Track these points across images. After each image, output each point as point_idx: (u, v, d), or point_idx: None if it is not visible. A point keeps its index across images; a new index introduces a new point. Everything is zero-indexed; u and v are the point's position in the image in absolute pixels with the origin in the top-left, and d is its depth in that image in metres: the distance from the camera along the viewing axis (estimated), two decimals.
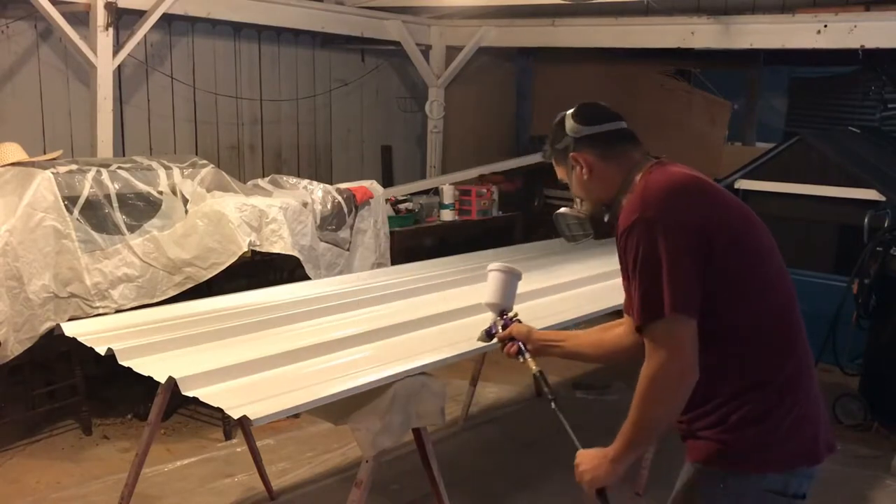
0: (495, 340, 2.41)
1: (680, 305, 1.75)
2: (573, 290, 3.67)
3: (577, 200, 2.12)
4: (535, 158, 7.48)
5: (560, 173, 2.15)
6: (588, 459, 2.09)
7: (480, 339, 2.47)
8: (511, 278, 2.43)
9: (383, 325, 2.99)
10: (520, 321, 2.38)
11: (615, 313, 3.33)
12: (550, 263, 4.10)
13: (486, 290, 2.45)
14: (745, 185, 5.88)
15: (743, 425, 1.83)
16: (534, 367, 2.37)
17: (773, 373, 1.84)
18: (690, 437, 1.93)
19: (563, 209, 2.18)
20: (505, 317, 2.41)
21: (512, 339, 2.35)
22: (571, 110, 2.15)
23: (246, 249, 4.08)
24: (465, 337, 2.93)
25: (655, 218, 1.79)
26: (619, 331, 2.15)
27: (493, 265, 2.46)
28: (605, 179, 2.04)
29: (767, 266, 1.89)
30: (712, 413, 1.86)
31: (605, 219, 2.07)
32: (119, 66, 4.91)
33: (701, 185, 1.89)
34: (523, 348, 2.33)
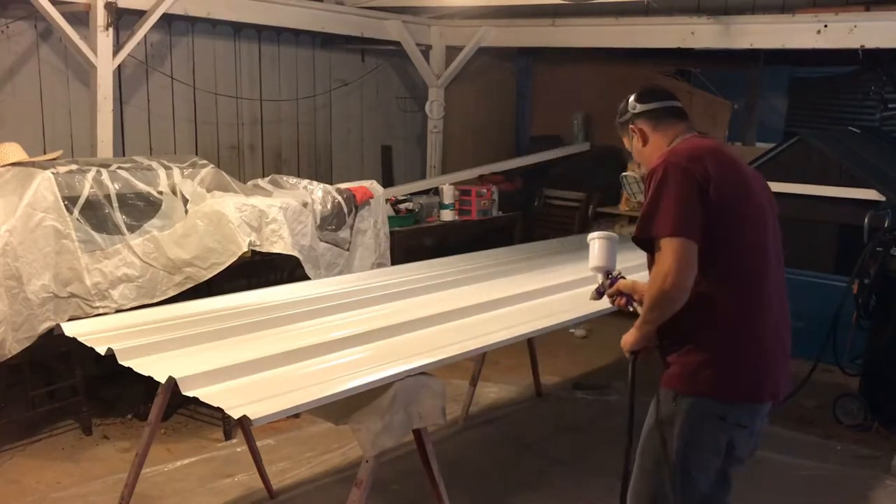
0: (605, 297, 2.74)
1: (681, 230, 2.22)
2: (573, 290, 3.67)
3: (636, 165, 2.59)
4: (535, 158, 7.50)
5: (625, 143, 2.65)
6: (626, 335, 2.53)
7: (592, 297, 2.79)
8: (611, 243, 2.78)
9: (383, 325, 2.99)
10: (624, 278, 2.72)
11: (615, 313, 3.34)
12: (550, 263, 4.10)
13: (590, 255, 2.79)
14: None
15: (696, 357, 2.33)
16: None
17: (732, 319, 2.30)
18: (665, 363, 2.44)
19: (627, 172, 2.68)
20: (611, 276, 2.75)
21: (620, 293, 2.68)
22: (637, 92, 2.61)
23: (246, 249, 4.08)
24: (465, 337, 2.93)
25: (674, 165, 2.28)
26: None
27: (593, 234, 2.82)
28: (655, 146, 2.51)
29: (745, 229, 2.33)
30: (676, 342, 2.36)
31: None
32: (119, 66, 4.91)
33: (713, 152, 2.36)
34: (632, 300, 2.67)
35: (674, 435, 2.37)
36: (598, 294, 2.79)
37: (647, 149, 2.55)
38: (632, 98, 2.59)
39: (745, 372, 2.34)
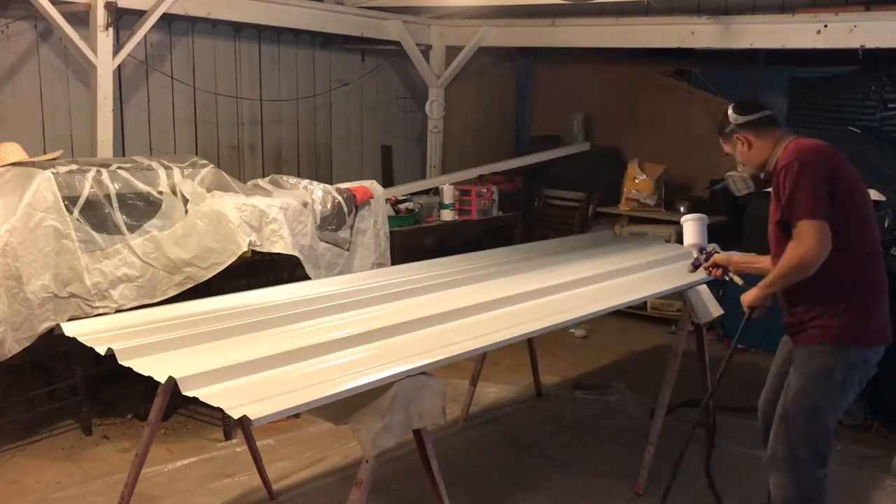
0: (702, 269, 3.33)
1: (818, 214, 2.72)
2: (573, 290, 3.67)
3: (740, 166, 3.09)
4: (535, 158, 7.50)
5: (727, 149, 3.12)
6: (746, 293, 3.00)
7: (689, 270, 3.39)
8: (702, 222, 3.40)
9: (383, 325, 2.99)
10: (718, 252, 3.35)
11: (614, 313, 3.35)
12: (550, 263, 4.10)
13: (685, 235, 3.42)
14: None
15: (846, 315, 2.83)
16: (739, 282, 3.26)
17: (866, 282, 2.87)
18: (801, 329, 2.92)
19: (732, 172, 3.14)
20: (704, 251, 3.32)
21: (716, 265, 3.27)
22: (732, 105, 3.08)
23: (246, 249, 4.08)
24: (465, 337, 2.93)
25: (805, 161, 2.78)
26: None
27: (686, 217, 3.45)
28: (760, 150, 3.00)
29: (865, 209, 2.93)
30: (825, 305, 2.84)
31: (762, 176, 3.04)
32: (119, 66, 4.91)
33: (829, 150, 2.88)
34: (728, 270, 3.25)
35: (833, 382, 2.85)
36: (694, 267, 3.35)
37: (752, 152, 3.02)
38: (730, 112, 3.05)
39: (878, 322, 2.88)
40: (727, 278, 3.25)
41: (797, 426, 2.89)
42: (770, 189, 2.98)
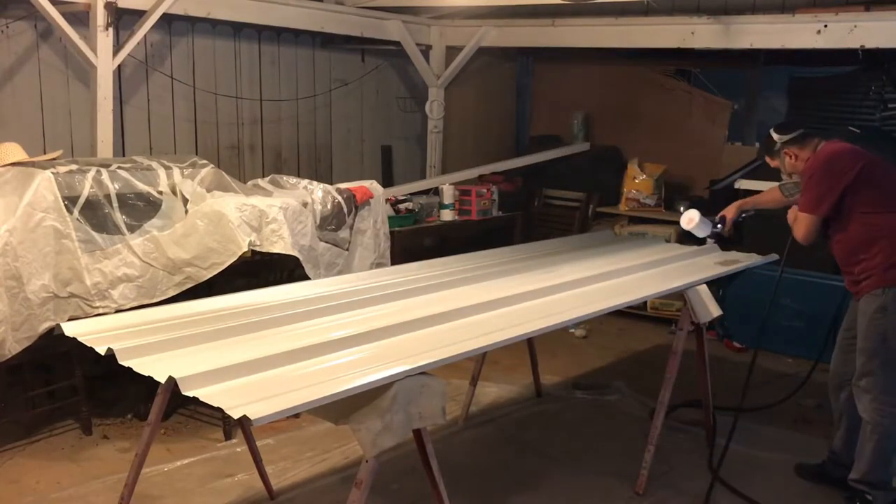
0: (727, 233, 4.20)
1: (813, 209, 3.53)
2: (573, 290, 3.67)
3: (787, 175, 3.81)
4: (535, 158, 7.50)
5: (773, 164, 3.82)
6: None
7: (721, 242, 4.39)
8: (699, 223, 4.19)
9: (383, 325, 2.98)
10: (725, 217, 4.17)
11: (614, 313, 3.35)
12: (550, 263, 4.10)
13: (698, 233, 4.24)
14: (745, 184, 5.88)
15: (886, 262, 3.45)
16: (752, 211, 4.19)
17: (884, 235, 3.48)
18: (857, 283, 3.57)
19: (783, 181, 3.84)
20: (717, 226, 4.18)
21: (730, 226, 4.16)
22: (773, 128, 3.78)
23: (246, 249, 4.08)
24: (465, 337, 2.93)
25: (815, 166, 3.57)
26: (777, 194, 4.00)
27: (687, 222, 4.23)
28: (804, 160, 3.66)
29: (888, 178, 3.58)
30: (871, 262, 3.49)
31: None
32: (119, 66, 4.91)
33: (851, 150, 3.59)
34: (742, 213, 4.18)
35: (888, 313, 3.45)
36: (720, 242, 4.37)
37: (798, 162, 3.68)
38: (775, 135, 3.72)
39: None
40: (742, 218, 4.16)
41: (875, 356, 3.49)
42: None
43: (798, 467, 4.01)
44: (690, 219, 4.19)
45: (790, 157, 3.69)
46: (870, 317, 3.50)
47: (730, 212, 4.15)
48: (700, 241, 4.42)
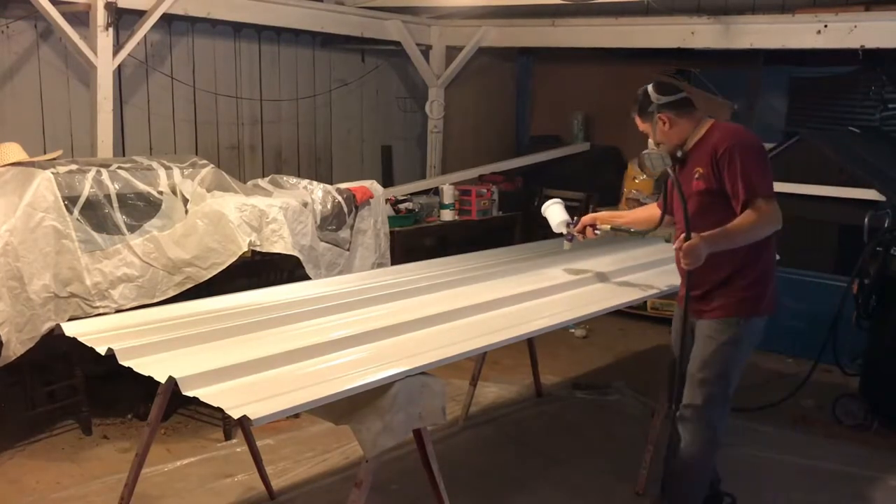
0: (575, 235, 3.75)
1: (773, 192, 3.01)
2: (573, 290, 3.67)
3: (657, 144, 3.17)
4: (535, 158, 7.50)
5: (642, 127, 3.23)
6: (690, 243, 2.94)
7: (568, 245, 3.83)
8: (560, 204, 3.89)
9: (383, 325, 2.99)
10: (580, 217, 3.76)
11: (614, 313, 3.36)
12: (550, 263, 4.09)
13: (551, 220, 3.86)
14: None
15: (751, 289, 3.08)
16: (608, 227, 3.70)
17: (766, 258, 3.12)
18: (705, 305, 3.13)
19: (647, 150, 3.16)
20: (570, 224, 3.78)
21: (584, 226, 3.70)
22: (651, 84, 3.19)
23: (246, 249, 4.08)
24: (465, 337, 2.93)
25: (754, 145, 3.04)
26: (657, 213, 3.48)
27: (545, 206, 3.88)
28: (680, 129, 3.14)
29: None
30: (729, 283, 3.08)
31: (679, 154, 3.16)
32: (119, 66, 4.90)
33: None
34: (596, 226, 3.69)
35: (738, 350, 3.11)
36: (570, 239, 3.79)
37: (672, 131, 3.14)
38: (651, 91, 3.16)
39: (773, 293, 3.17)
40: (597, 233, 3.71)
41: (709, 391, 3.13)
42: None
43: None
44: (548, 205, 3.92)
45: (663, 122, 3.14)
46: (717, 346, 3.10)
47: (588, 218, 3.76)
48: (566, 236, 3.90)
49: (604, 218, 3.73)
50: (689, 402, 3.16)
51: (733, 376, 3.15)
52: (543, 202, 4.01)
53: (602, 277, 3.85)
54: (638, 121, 3.24)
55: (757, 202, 2.97)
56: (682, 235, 2.97)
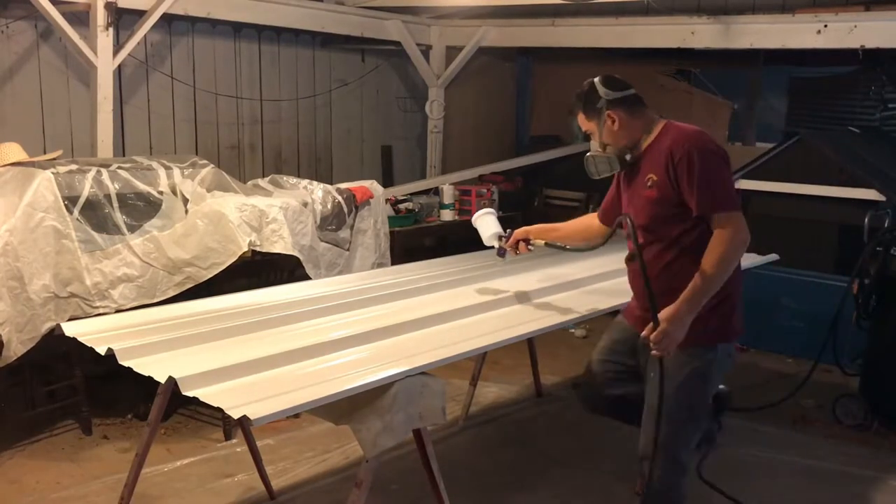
0: (507, 251, 3.39)
1: (738, 204, 2.65)
2: (573, 289, 3.67)
3: (603, 146, 2.86)
4: (535, 158, 7.50)
5: (585, 126, 2.89)
6: (666, 325, 2.62)
7: (500, 256, 3.48)
8: (492, 215, 3.61)
9: (383, 325, 2.99)
10: (513, 230, 3.40)
11: (613, 313, 3.35)
12: (550, 263, 4.10)
13: (481, 231, 3.56)
14: (745, 185, 5.87)
15: (718, 314, 2.73)
16: (542, 243, 3.35)
17: (734, 281, 2.73)
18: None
19: (591, 152, 2.89)
20: (502, 237, 3.45)
21: (517, 241, 3.36)
22: (598, 78, 2.84)
23: (246, 249, 4.08)
24: (465, 337, 2.93)
25: (714, 151, 2.66)
26: (596, 224, 3.30)
27: (475, 216, 3.61)
28: (630, 130, 2.81)
29: None
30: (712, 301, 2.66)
31: (627, 157, 2.84)
32: (119, 66, 4.90)
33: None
34: (529, 241, 3.35)
35: (707, 380, 2.79)
36: (501, 253, 3.46)
37: (621, 132, 2.82)
38: (599, 86, 2.83)
39: (740, 317, 2.85)
40: (531, 248, 3.38)
41: (674, 424, 2.74)
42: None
43: None
44: (479, 215, 3.66)
45: (612, 121, 2.81)
46: (683, 381, 2.74)
47: (521, 232, 3.41)
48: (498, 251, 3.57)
49: (537, 232, 3.37)
50: (650, 438, 2.76)
51: (700, 410, 2.82)
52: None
53: (602, 277, 3.85)
54: (581, 118, 2.90)
55: (721, 219, 2.62)
56: (651, 325, 2.63)
